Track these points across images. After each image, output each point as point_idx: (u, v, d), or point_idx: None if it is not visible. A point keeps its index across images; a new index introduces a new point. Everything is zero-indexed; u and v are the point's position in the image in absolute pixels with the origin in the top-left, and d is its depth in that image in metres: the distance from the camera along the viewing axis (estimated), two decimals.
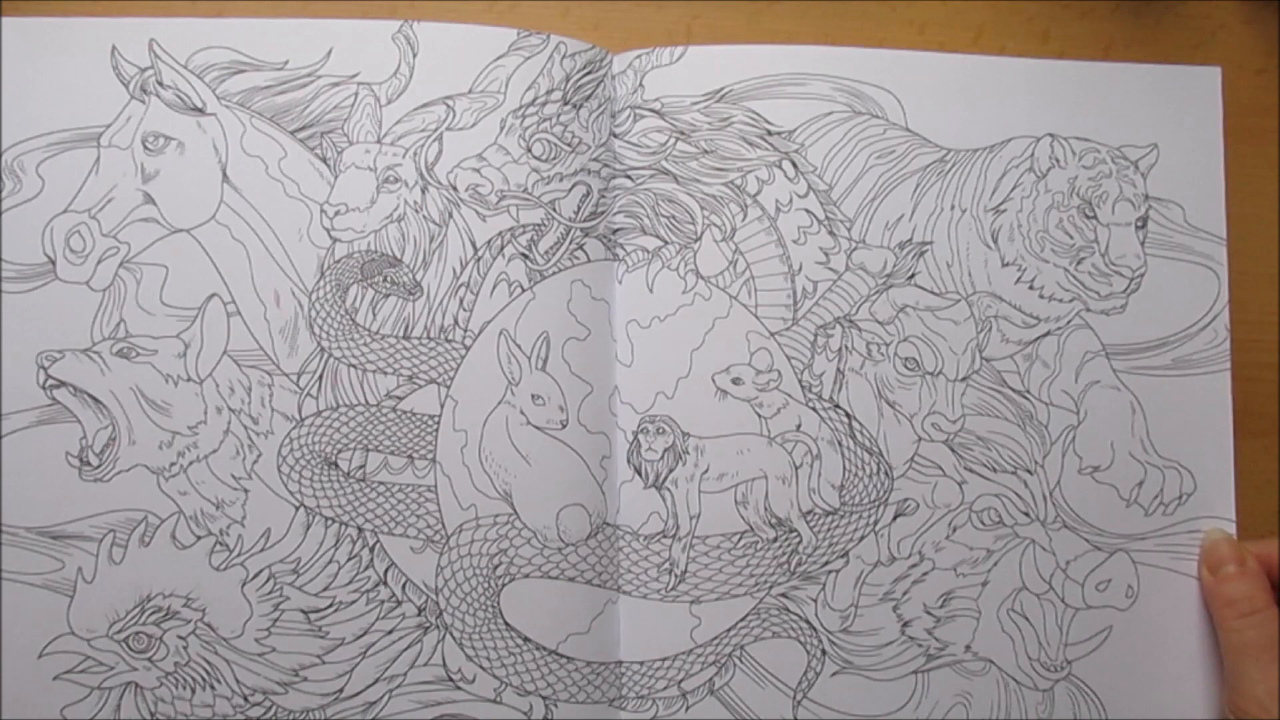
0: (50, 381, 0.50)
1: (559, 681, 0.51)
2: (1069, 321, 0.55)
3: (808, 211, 0.55)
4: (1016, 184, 0.56)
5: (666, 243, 0.54)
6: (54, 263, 0.51)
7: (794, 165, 0.55)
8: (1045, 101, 0.56)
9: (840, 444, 0.54)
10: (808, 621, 0.53)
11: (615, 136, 0.54)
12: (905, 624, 0.53)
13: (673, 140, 0.54)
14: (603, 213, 0.54)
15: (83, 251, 0.51)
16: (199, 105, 0.52)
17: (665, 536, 0.52)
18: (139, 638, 0.50)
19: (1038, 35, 0.58)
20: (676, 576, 0.52)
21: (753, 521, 0.53)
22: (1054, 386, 0.55)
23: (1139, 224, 0.56)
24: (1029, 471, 0.54)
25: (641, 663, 0.52)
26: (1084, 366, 0.55)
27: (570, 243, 0.53)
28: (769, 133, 0.55)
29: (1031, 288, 0.55)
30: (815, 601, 0.53)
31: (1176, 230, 0.56)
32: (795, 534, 0.53)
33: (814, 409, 0.54)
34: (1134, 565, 0.54)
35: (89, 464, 0.50)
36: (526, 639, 0.51)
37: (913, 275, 0.55)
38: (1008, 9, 0.58)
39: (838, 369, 0.54)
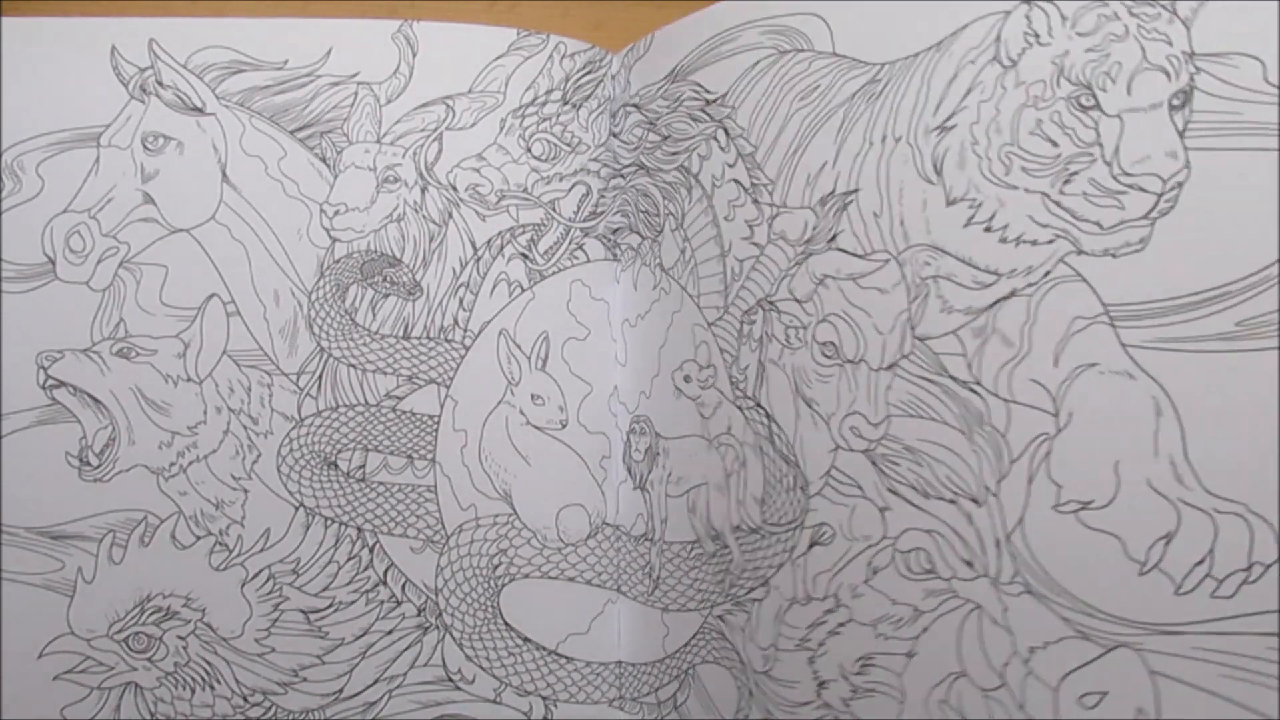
0: (50, 381, 0.50)
1: (559, 681, 0.51)
2: (1047, 273, 0.38)
3: (736, 182, 0.48)
4: (972, 85, 0.40)
5: (643, 238, 0.53)
6: (54, 263, 0.51)
7: (725, 133, 0.48)
8: None
9: (762, 450, 0.45)
10: (738, 653, 0.47)
11: (614, 136, 0.54)
12: (821, 684, 0.43)
13: (645, 131, 0.53)
14: (602, 213, 0.54)
15: (83, 251, 0.51)
16: (198, 105, 0.52)
17: (647, 539, 0.51)
18: (139, 638, 0.50)
19: None
20: (653, 581, 0.51)
21: (699, 531, 0.49)
22: (1018, 373, 0.38)
23: (1176, 103, 0.36)
24: (974, 501, 0.39)
25: (635, 664, 0.52)
26: (1070, 340, 0.37)
27: (570, 243, 0.53)
28: (707, 103, 0.49)
29: (989, 229, 0.39)
30: (744, 631, 0.46)
31: (1246, 99, 0.35)
32: (729, 550, 0.48)
33: (740, 408, 0.47)
34: (1149, 673, 0.34)
35: (89, 464, 0.50)
36: (526, 639, 0.51)
37: (834, 236, 0.44)
38: None
39: (759, 360, 0.45)
